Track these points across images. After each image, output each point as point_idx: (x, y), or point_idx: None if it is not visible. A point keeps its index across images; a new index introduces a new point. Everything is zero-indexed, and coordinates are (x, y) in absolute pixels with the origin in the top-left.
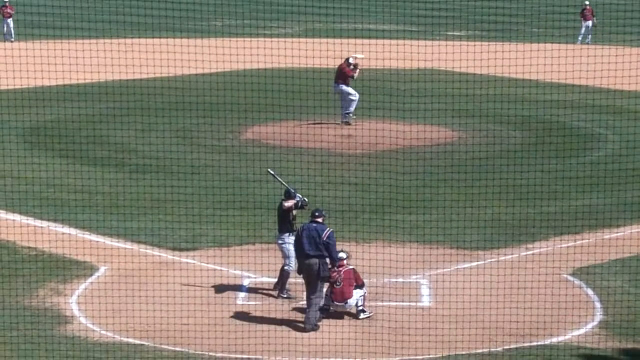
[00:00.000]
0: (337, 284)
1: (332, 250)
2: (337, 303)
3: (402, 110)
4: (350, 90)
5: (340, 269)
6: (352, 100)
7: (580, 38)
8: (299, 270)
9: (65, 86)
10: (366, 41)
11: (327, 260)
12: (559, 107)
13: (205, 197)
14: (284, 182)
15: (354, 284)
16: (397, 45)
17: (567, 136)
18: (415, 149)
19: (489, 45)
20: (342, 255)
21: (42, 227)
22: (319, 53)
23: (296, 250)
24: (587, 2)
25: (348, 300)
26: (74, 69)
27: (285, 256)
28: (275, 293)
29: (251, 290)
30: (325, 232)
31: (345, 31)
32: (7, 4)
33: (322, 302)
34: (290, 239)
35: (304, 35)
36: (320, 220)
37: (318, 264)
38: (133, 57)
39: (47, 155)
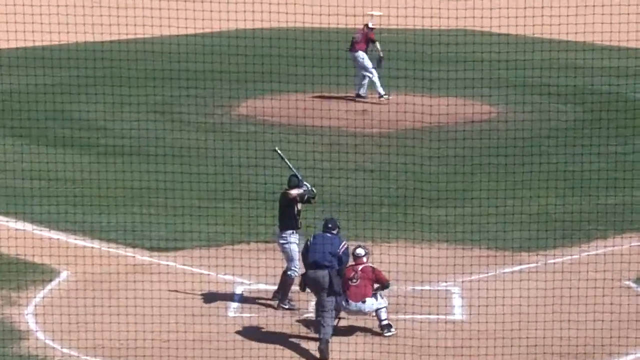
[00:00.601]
0: (354, 280)
1: (343, 268)
2: (353, 303)
3: (429, 79)
4: (366, 62)
5: (358, 266)
6: (365, 76)
7: None
8: (305, 285)
9: (18, 49)
10: None
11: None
12: (619, 75)
13: (189, 185)
14: (291, 166)
15: (373, 284)
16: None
17: (630, 110)
18: (445, 128)
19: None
20: (360, 251)
21: None
22: (327, 9)
23: (304, 260)
24: None
25: (366, 300)
26: (28, 29)
27: (289, 259)
28: (274, 303)
29: (245, 299)
30: (343, 245)
31: None
32: None
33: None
34: (294, 238)
35: None
36: (335, 232)
37: (329, 275)
38: (101, 15)
39: None
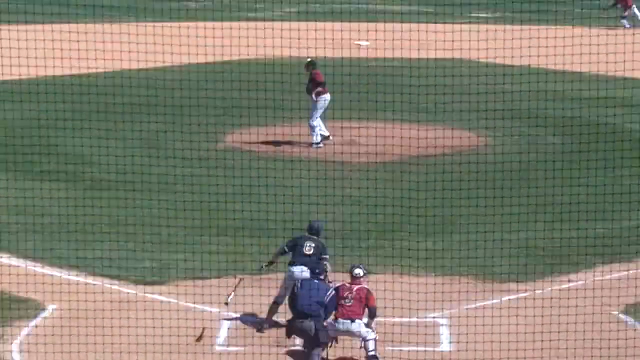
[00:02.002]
0: (347, 301)
1: (328, 314)
2: (341, 321)
3: (417, 111)
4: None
5: (354, 286)
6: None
7: (624, 22)
8: (291, 332)
9: (3, 83)
10: (372, 25)
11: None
12: (607, 106)
13: (175, 218)
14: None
15: (365, 308)
16: (410, 30)
17: (618, 142)
18: (433, 159)
19: (521, 29)
20: (358, 271)
21: None
22: (314, 42)
23: (290, 307)
24: None
25: (356, 320)
26: (14, 62)
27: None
28: (262, 333)
29: (232, 332)
30: (329, 293)
31: (347, 13)
32: None
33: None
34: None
35: (297, 18)
36: (322, 277)
37: (314, 327)
38: (87, 48)
39: None
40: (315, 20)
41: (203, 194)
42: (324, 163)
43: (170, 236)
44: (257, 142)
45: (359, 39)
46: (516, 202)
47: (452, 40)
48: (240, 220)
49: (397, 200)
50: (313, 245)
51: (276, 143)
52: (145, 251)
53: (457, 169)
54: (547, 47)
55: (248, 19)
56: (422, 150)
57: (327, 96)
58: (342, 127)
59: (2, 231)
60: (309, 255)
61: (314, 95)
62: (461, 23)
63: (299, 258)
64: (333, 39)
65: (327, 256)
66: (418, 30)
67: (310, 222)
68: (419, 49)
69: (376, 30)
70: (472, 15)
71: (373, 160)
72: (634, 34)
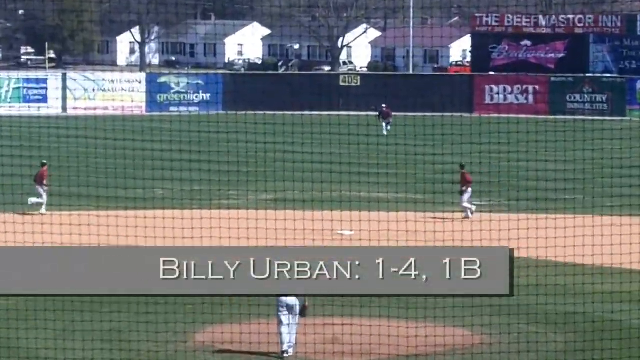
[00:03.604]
0: None
1: None
2: None
3: (405, 307)
4: None
5: None
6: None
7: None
8: None
9: None
10: (356, 214)
11: None
12: (613, 302)
13: None
14: None
15: None
16: (397, 220)
17: (626, 339)
18: (423, 358)
19: (518, 218)
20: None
21: None
22: (292, 233)
23: None
24: None
25: None
26: None
27: None
28: None
29: None
30: None
31: (329, 202)
32: None
33: None
34: None
35: (273, 206)
36: None
37: None
38: (43, 236)
39: None
40: (294, 209)
41: None
42: None
43: None
44: (231, 339)
45: (342, 229)
46: None
47: (443, 231)
48: None
49: None
50: None
51: (252, 340)
52: None
53: None
54: (545, 237)
55: (221, 207)
56: (411, 350)
57: None
58: (324, 325)
59: None
60: None
61: None
62: (452, 212)
63: None
64: (313, 229)
65: None
66: (406, 220)
67: None
68: (407, 240)
69: (360, 219)
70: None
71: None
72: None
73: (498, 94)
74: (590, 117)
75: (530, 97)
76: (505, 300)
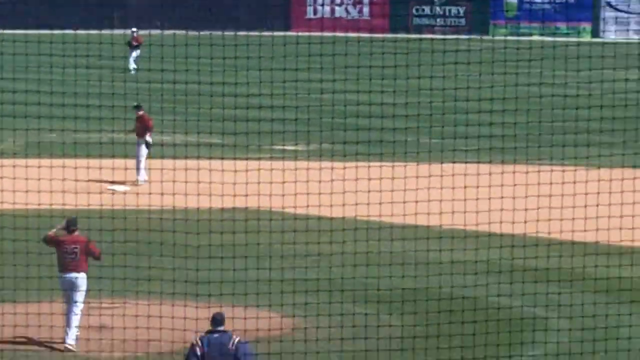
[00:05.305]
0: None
1: None
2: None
3: (195, 282)
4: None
5: None
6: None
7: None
8: None
9: None
10: None
11: None
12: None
13: None
14: None
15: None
16: None
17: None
18: None
19: (332, 167)
20: None
21: None
22: None
23: None
24: None
25: None
26: None
27: None
28: None
29: None
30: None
31: None
32: None
33: None
34: None
35: None
36: (222, 328)
37: None
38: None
39: None
40: None
41: None
42: None
43: None
44: None
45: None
46: None
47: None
48: None
49: None
50: None
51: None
52: None
53: None
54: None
55: None
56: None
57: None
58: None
59: None
60: None
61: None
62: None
63: None
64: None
65: None
66: None
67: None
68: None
69: None
70: None
71: None
72: None
73: (323, 5)
74: (441, 36)
75: (365, 10)
76: (325, 273)
